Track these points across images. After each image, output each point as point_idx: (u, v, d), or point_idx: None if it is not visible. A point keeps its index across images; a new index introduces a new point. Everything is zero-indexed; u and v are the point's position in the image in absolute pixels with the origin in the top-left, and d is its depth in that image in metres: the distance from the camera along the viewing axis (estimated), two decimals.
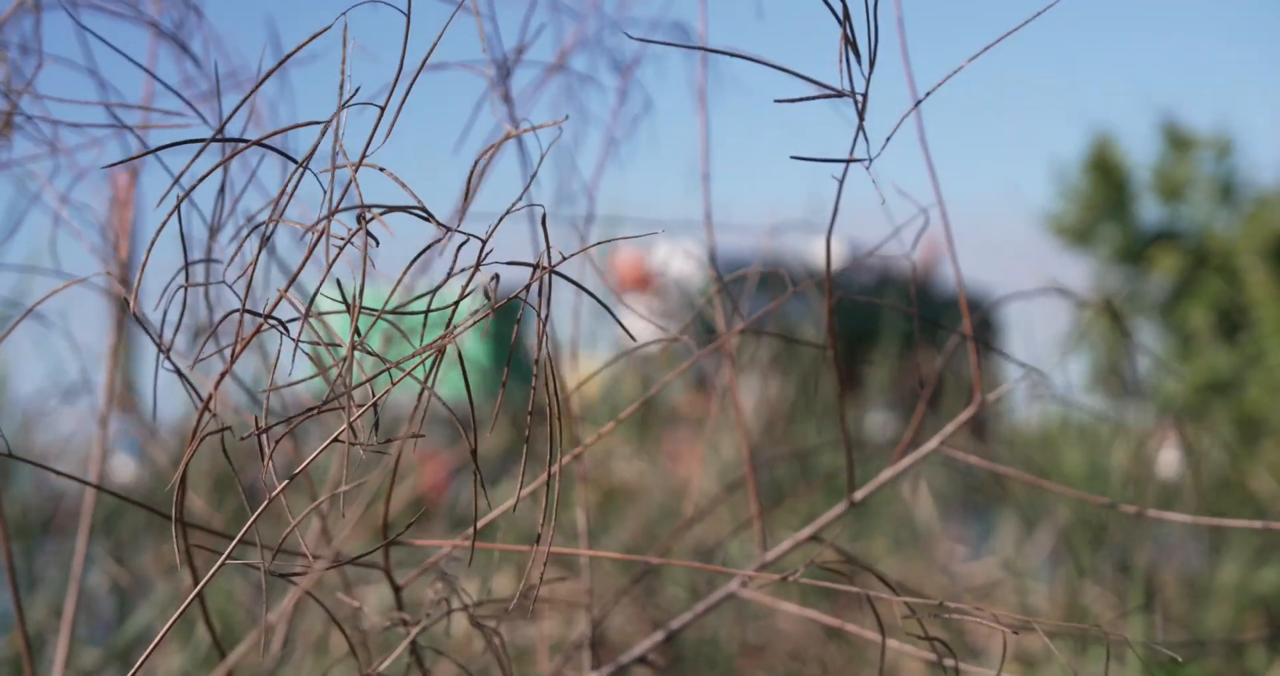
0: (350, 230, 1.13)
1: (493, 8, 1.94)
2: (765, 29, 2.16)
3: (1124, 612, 4.28)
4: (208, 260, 1.71)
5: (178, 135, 1.90)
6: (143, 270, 1.20)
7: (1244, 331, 8.53)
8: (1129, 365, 7.90)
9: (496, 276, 1.13)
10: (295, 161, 1.14)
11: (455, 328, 1.15)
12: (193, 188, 1.25)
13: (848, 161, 1.43)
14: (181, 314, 1.29)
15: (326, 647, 3.19)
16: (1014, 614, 1.58)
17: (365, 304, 1.15)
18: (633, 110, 2.31)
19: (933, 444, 1.95)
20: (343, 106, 1.14)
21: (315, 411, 1.16)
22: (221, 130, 1.23)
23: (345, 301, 1.13)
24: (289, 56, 1.19)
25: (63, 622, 2.22)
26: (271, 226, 1.19)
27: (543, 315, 1.16)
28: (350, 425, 1.13)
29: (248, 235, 1.41)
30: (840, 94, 1.34)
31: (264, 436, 1.17)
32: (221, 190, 1.59)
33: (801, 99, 1.33)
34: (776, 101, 1.31)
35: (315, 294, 1.13)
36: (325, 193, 1.13)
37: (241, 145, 1.22)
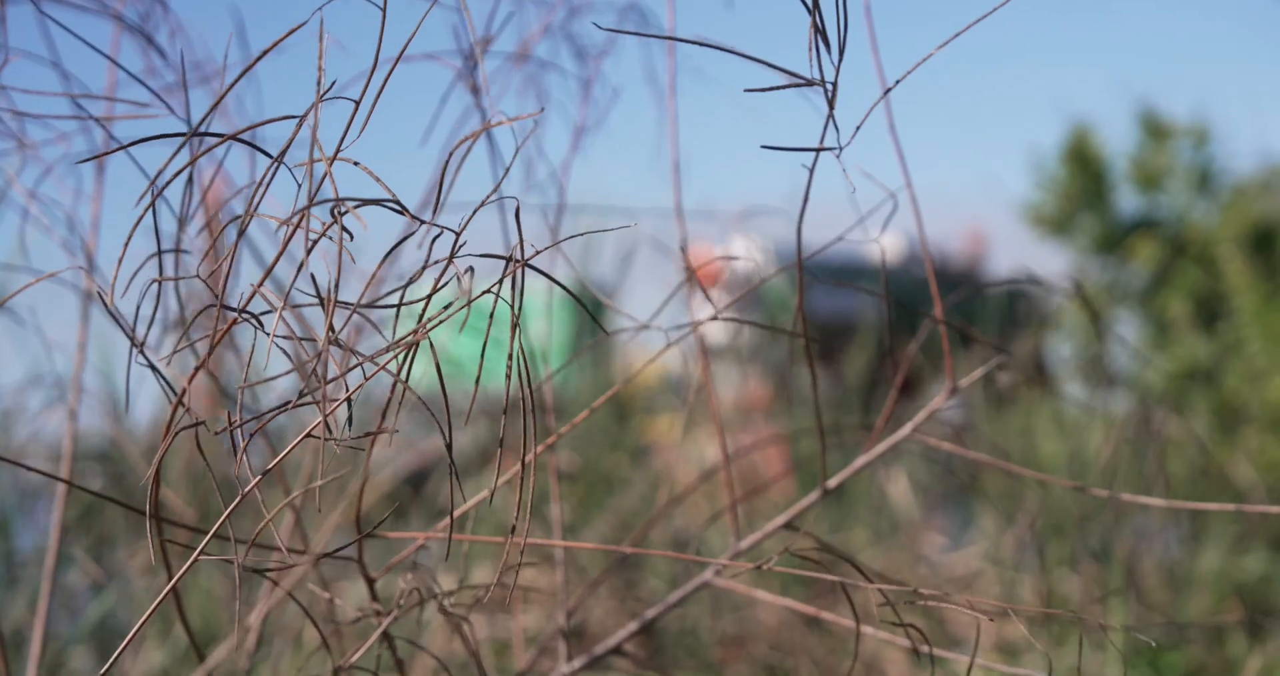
0: (325, 224, 1.12)
1: None
2: (733, 18, 2.16)
3: (1103, 598, 4.29)
4: (177, 251, 1.70)
5: (144, 126, 1.89)
6: (119, 265, 1.19)
7: (1222, 320, 8.54)
8: (1107, 354, 7.92)
9: (470, 269, 1.13)
10: (270, 156, 1.14)
11: (428, 322, 1.14)
12: (167, 184, 1.24)
13: (818, 150, 1.43)
14: (155, 308, 1.28)
15: (304, 642, 3.18)
16: (994, 603, 1.58)
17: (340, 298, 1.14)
18: (599, 98, 2.31)
19: (906, 430, 1.95)
20: (319, 101, 1.14)
21: (289, 406, 1.16)
22: (198, 126, 1.22)
23: (320, 296, 1.13)
24: (264, 53, 1.19)
25: (36, 618, 2.22)
26: (245, 221, 1.18)
27: (515, 308, 1.16)
28: (325, 420, 1.12)
29: (222, 229, 1.41)
30: (810, 83, 1.33)
31: (238, 431, 1.17)
32: (190, 182, 1.58)
33: (771, 88, 1.33)
34: (746, 90, 1.31)
35: (290, 287, 1.13)
36: (299, 186, 1.12)
37: (216, 140, 1.21)
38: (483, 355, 1.18)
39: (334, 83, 1.17)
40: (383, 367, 1.14)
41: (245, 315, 1.17)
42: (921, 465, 6.00)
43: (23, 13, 1.98)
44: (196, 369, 1.28)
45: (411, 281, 1.20)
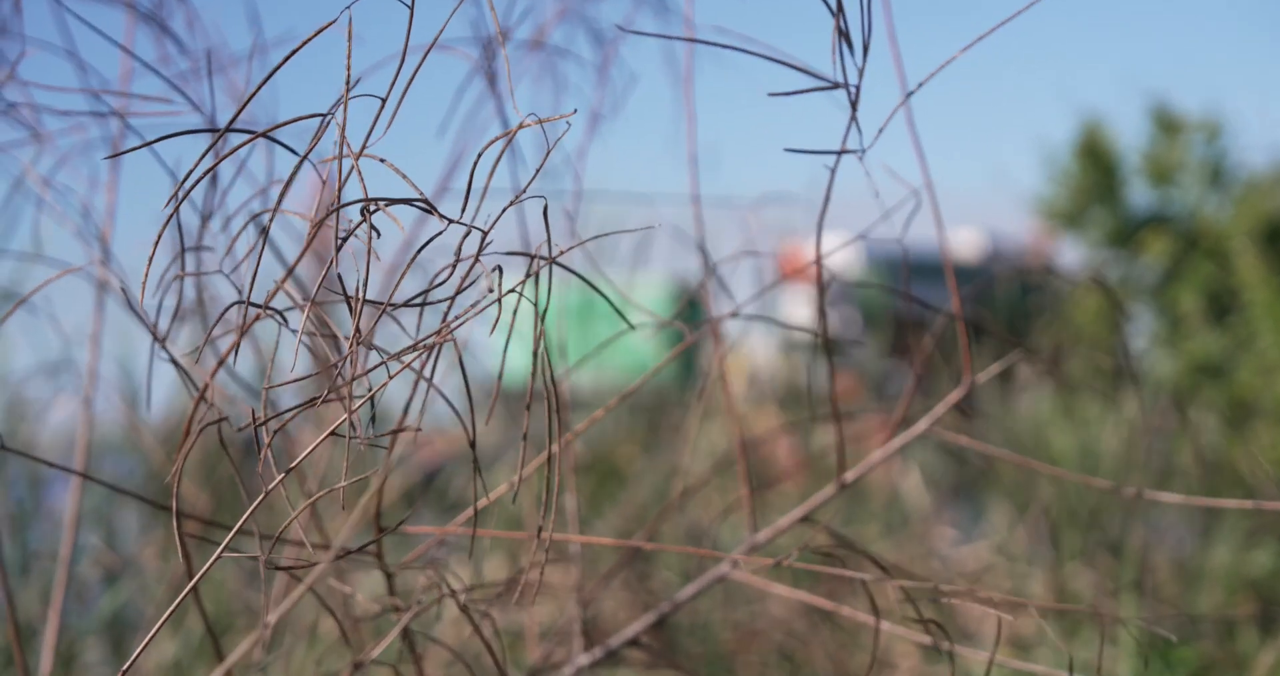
0: (352, 222, 1.12)
1: None
2: (751, 3, 2.16)
3: (1115, 592, 4.28)
4: (199, 248, 1.70)
5: (161, 117, 1.89)
6: (150, 263, 1.19)
7: (1234, 314, 8.53)
8: (1121, 347, 7.91)
9: (499, 268, 1.12)
10: (296, 154, 1.13)
11: (452, 322, 1.14)
12: (194, 183, 1.24)
13: (840, 153, 1.43)
14: (178, 304, 1.28)
15: (318, 634, 3.19)
16: (1011, 598, 1.58)
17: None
18: (615, 85, 2.31)
19: (922, 425, 1.95)
20: (345, 100, 1.14)
21: (314, 403, 1.16)
22: (228, 125, 1.22)
23: (345, 294, 1.12)
24: (293, 54, 1.18)
25: (51, 609, 2.22)
26: (271, 217, 1.18)
27: (539, 306, 1.15)
28: (350, 418, 1.12)
29: (244, 226, 1.41)
30: (835, 85, 1.33)
31: (260, 428, 1.17)
32: (213, 180, 1.58)
33: (796, 92, 1.33)
34: (771, 94, 1.30)
35: (319, 285, 1.12)
36: (324, 184, 1.12)
37: (246, 139, 1.21)
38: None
39: (358, 79, 1.17)
40: (407, 366, 1.14)
41: (269, 311, 1.17)
42: (934, 457, 6.00)
43: (37, 1, 1.98)
44: (219, 364, 1.28)
45: (435, 277, 1.19)
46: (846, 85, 1.39)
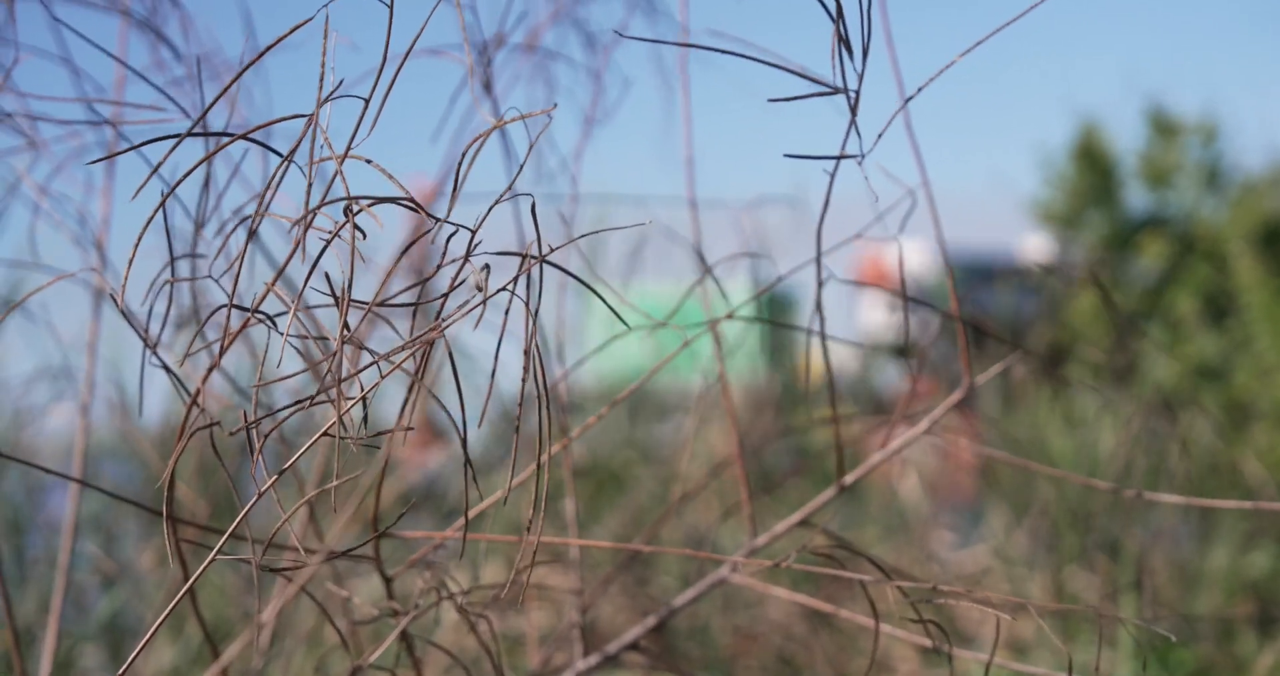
0: (337, 223, 1.12)
1: None
2: (745, 4, 2.15)
3: (1114, 594, 4.28)
4: (193, 255, 1.70)
5: (154, 124, 1.89)
6: (129, 265, 1.19)
7: (1231, 317, 8.53)
8: (1118, 349, 7.91)
9: (487, 267, 1.12)
10: (280, 155, 1.13)
11: (444, 319, 1.14)
12: (176, 183, 1.24)
13: (839, 158, 1.43)
14: (168, 309, 1.28)
15: (318, 639, 3.19)
16: (1011, 600, 1.58)
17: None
18: (607, 85, 2.31)
19: (922, 426, 1.94)
20: (325, 100, 1.14)
21: (305, 404, 1.16)
22: (196, 124, 1.22)
23: (334, 294, 1.12)
24: (267, 50, 1.18)
25: (50, 616, 2.22)
26: (257, 220, 1.18)
27: (531, 306, 1.15)
28: (340, 419, 1.12)
29: (233, 229, 1.41)
30: (835, 91, 1.33)
31: (253, 431, 1.17)
32: (206, 184, 1.58)
33: (796, 98, 1.32)
34: (770, 100, 1.30)
35: (304, 287, 1.12)
36: (309, 184, 1.12)
37: (226, 140, 1.21)
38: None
39: (340, 82, 1.17)
40: (399, 366, 1.14)
41: (259, 315, 1.17)
42: (932, 460, 6.00)
43: (30, 5, 1.98)
44: (210, 369, 1.28)
45: (427, 279, 1.19)
46: (845, 90, 1.39)
